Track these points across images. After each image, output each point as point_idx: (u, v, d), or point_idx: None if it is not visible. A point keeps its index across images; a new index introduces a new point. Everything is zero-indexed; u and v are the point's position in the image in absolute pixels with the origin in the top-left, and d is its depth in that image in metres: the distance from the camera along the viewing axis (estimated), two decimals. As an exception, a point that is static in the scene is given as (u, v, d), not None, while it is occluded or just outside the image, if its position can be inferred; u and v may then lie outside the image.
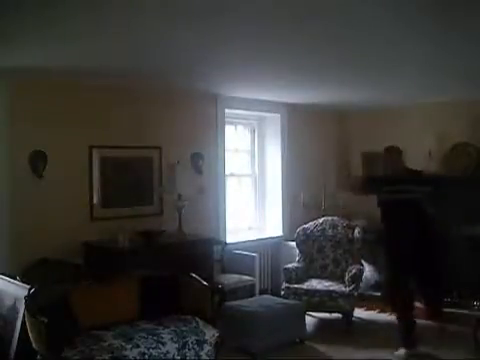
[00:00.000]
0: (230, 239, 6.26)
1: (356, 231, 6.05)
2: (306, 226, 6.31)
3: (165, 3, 2.80)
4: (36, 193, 4.77)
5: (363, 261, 6.08)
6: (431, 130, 6.48)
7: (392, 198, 4.84)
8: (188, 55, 4.02)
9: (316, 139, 7.20)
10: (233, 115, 6.52)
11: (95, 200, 5.20)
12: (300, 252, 6.21)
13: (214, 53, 3.99)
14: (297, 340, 5.18)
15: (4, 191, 4.65)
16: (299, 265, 6.05)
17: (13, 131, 4.67)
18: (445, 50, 3.93)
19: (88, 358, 3.60)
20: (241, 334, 4.79)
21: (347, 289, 5.55)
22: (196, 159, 6.01)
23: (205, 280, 4.46)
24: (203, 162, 6.07)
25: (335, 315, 5.74)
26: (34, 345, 3.67)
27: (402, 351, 4.77)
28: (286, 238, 6.77)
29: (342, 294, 5.52)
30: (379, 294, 6.36)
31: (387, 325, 5.50)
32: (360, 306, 6.04)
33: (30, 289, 3.78)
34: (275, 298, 5.52)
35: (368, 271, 6.31)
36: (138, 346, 3.78)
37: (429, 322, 5.83)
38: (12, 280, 4.14)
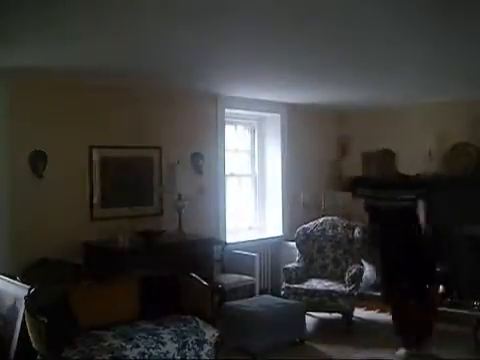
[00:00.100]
0: (230, 239, 6.26)
1: (356, 231, 6.05)
2: (306, 226, 6.31)
3: (165, 3, 2.80)
4: (36, 193, 4.77)
5: (363, 261, 6.08)
6: (431, 130, 6.47)
7: (377, 204, 4.83)
8: (188, 55, 4.02)
9: (316, 139, 7.20)
10: (233, 115, 6.52)
11: (95, 200, 5.20)
12: (300, 252, 6.21)
13: (214, 53, 3.99)
14: (297, 340, 5.18)
15: (4, 191, 4.65)
16: (299, 265, 6.06)
17: (13, 131, 4.67)
18: (445, 50, 3.93)
19: (88, 358, 3.60)
20: (241, 334, 4.79)
21: (347, 289, 5.55)
22: (196, 159, 6.01)
23: (205, 280, 4.46)
24: (203, 162, 6.07)
25: (335, 315, 5.74)
26: (34, 345, 3.67)
27: (402, 351, 4.77)
28: (286, 238, 6.77)
29: (342, 294, 5.52)
30: (379, 294, 6.36)
31: (387, 325, 5.49)
32: (360, 306, 6.04)
33: (30, 289, 3.78)
34: (275, 298, 5.52)
35: (368, 271, 6.31)
36: (138, 346, 3.79)
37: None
38: (12, 280, 4.14)
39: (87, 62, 4.24)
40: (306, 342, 5.18)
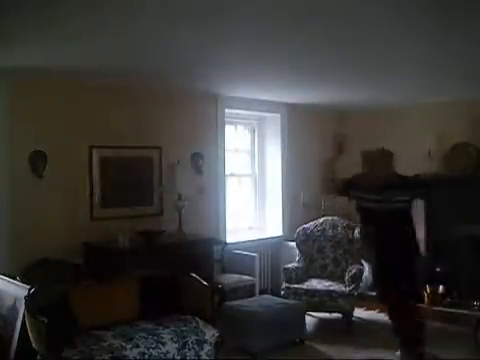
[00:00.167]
0: (230, 239, 6.26)
1: (356, 231, 6.05)
2: (306, 226, 6.32)
3: (165, 3, 2.80)
4: (36, 193, 4.77)
5: (363, 261, 6.08)
6: (431, 130, 6.47)
7: (370, 206, 4.72)
8: (188, 55, 4.02)
9: (316, 139, 7.20)
10: (233, 115, 6.52)
11: (95, 200, 5.20)
12: (300, 252, 6.21)
13: (214, 53, 3.99)
14: (297, 340, 5.18)
15: (4, 191, 4.65)
16: (299, 265, 6.06)
17: (13, 131, 4.67)
18: (445, 50, 3.93)
19: (88, 358, 3.60)
20: (241, 334, 4.79)
21: (347, 289, 5.55)
22: (196, 159, 6.01)
23: (205, 280, 4.46)
24: (203, 162, 6.07)
25: (335, 315, 5.74)
26: (34, 345, 3.67)
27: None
28: (286, 238, 6.77)
29: (342, 294, 5.52)
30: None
31: (387, 325, 5.48)
32: (360, 306, 6.04)
33: (30, 289, 3.78)
34: (275, 298, 5.52)
35: (368, 271, 6.31)
36: (138, 346, 3.79)
37: (429, 322, 5.85)
38: (12, 280, 4.14)
39: (87, 62, 4.24)
40: (306, 342, 5.19)
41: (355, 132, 7.35)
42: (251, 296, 5.73)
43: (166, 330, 4.03)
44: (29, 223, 4.71)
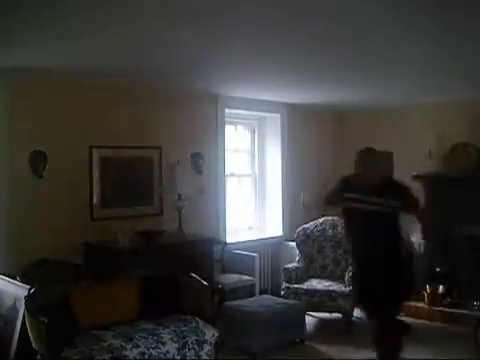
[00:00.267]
0: (230, 239, 6.26)
1: (356, 231, 6.04)
2: (306, 226, 6.32)
3: (165, 3, 2.80)
4: (36, 193, 4.77)
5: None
6: (431, 130, 6.47)
7: (355, 207, 4.27)
8: (188, 55, 4.02)
9: (316, 139, 7.20)
10: (233, 115, 6.52)
11: (95, 200, 5.20)
12: (300, 252, 6.21)
13: (214, 53, 3.98)
14: (297, 340, 5.18)
15: (4, 191, 4.65)
16: (299, 265, 6.06)
17: (13, 131, 4.67)
18: (445, 50, 3.93)
19: (88, 358, 3.60)
20: (241, 334, 4.79)
21: (347, 289, 5.55)
22: (196, 159, 6.01)
23: (205, 280, 4.46)
24: (203, 162, 6.07)
25: (335, 315, 5.75)
26: (34, 345, 3.68)
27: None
28: (286, 238, 6.77)
29: (342, 294, 5.52)
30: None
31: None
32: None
33: (30, 289, 3.78)
34: (275, 298, 5.53)
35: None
36: (138, 346, 3.79)
37: (429, 322, 5.86)
38: (12, 280, 4.14)
39: (87, 62, 4.24)
40: (306, 342, 5.19)
41: (355, 132, 7.35)
42: (251, 296, 5.73)
43: (166, 330, 4.03)
44: (29, 223, 4.71)
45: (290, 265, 6.00)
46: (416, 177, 6.48)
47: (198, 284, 4.44)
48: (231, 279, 5.69)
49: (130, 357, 3.71)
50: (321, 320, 5.90)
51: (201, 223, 5.84)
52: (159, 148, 5.64)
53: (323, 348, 5.09)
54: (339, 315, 5.66)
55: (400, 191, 4.30)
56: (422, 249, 6.57)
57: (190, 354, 4.01)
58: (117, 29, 3.31)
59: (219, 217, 6.22)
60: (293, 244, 6.34)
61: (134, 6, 2.84)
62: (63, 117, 4.97)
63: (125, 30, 3.34)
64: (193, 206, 5.65)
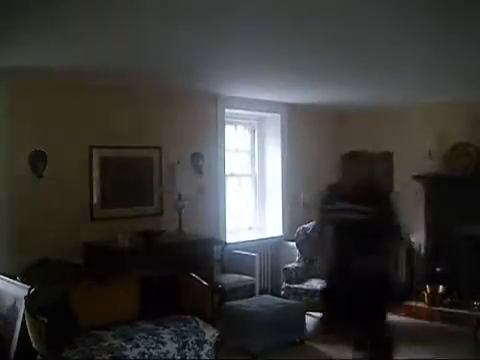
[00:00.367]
0: (230, 239, 6.26)
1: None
2: (306, 226, 6.31)
3: (165, 3, 2.80)
4: (36, 193, 4.77)
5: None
6: (431, 130, 6.47)
7: (343, 218, 4.06)
8: (188, 55, 4.02)
9: (316, 139, 7.19)
10: (233, 115, 6.52)
11: (95, 200, 5.20)
12: (300, 252, 6.21)
13: (214, 53, 3.98)
14: (297, 340, 5.18)
15: (4, 191, 4.65)
16: (299, 265, 6.06)
17: (13, 131, 4.67)
18: (445, 50, 3.93)
19: (88, 358, 3.60)
20: (241, 334, 4.79)
21: (347, 289, 5.54)
22: (196, 159, 6.01)
23: (205, 280, 4.46)
24: (203, 162, 6.07)
25: (335, 315, 5.73)
26: (34, 345, 3.67)
27: None
28: (286, 238, 6.77)
29: (342, 294, 5.51)
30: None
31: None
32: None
33: (30, 289, 3.78)
34: (275, 298, 5.52)
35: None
36: (138, 346, 3.79)
37: (429, 322, 5.86)
38: (12, 280, 4.13)
39: (87, 62, 4.24)
40: (306, 342, 5.18)
41: (355, 132, 7.35)
42: (251, 296, 5.73)
43: (166, 330, 4.03)
44: (29, 223, 4.71)
45: (290, 265, 6.00)
46: (416, 177, 6.49)
47: (198, 284, 4.44)
48: (231, 279, 5.69)
49: (130, 357, 3.71)
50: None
51: (201, 223, 5.84)
52: (159, 148, 5.64)
53: (323, 348, 5.08)
54: (339, 315, 5.65)
55: (380, 200, 4.08)
56: (422, 249, 6.58)
57: (190, 354, 4.01)
58: (117, 29, 3.32)
59: (219, 217, 6.22)
60: (293, 244, 6.34)
61: (134, 6, 2.84)
62: (63, 117, 4.96)
63: (125, 30, 3.34)
64: (193, 206, 5.65)
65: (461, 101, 6.17)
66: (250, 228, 6.97)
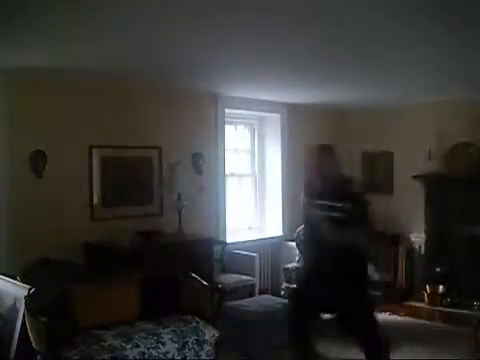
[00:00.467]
0: (230, 239, 6.25)
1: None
2: (306, 226, 6.30)
3: (165, 3, 2.80)
4: (36, 193, 4.77)
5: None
6: (431, 130, 6.48)
7: (317, 215, 3.92)
8: (188, 55, 4.02)
9: (316, 139, 7.18)
10: (233, 115, 6.52)
11: (95, 200, 5.20)
12: (300, 252, 6.20)
13: (214, 53, 3.99)
14: (297, 340, 5.17)
15: (4, 191, 4.65)
16: (299, 265, 6.05)
17: (13, 131, 4.67)
18: (445, 50, 3.93)
19: (88, 358, 3.60)
20: (241, 334, 4.79)
21: (347, 289, 5.53)
22: (196, 159, 6.01)
23: (205, 280, 4.46)
24: (203, 162, 6.06)
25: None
26: (34, 345, 3.67)
27: None
28: (286, 238, 6.76)
29: (342, 294, 5.51)
30: (379, 294, 6.37)
31: (387, 325, 5.49)
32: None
33: (30, 289, 3.78)
34: (275, 298, 5.52)
35: (367, 271, 6.30)
36: (138, 346, 3.79)
37: (429, 322, 5.86)
38: (12, 280, 4.13)
39: (87, 62, 4.24)
40: (306, 342, 5.17)
41: (355, 132, 7.36)
42: (251, 296, 5.73)
43: (166, 330, 4.03)
44: (29, 223, 4.70)
45: (290, 265, 5.99)
46: (416, 177, 6.49)
47: (198, 284, 4.44)
48: (231, 279, 5.69)
49: (130, 357, 3.71)
50: (321, 320, 5.88)
51: (201, 223, 5.84)
52: (159, 148, 5.64)
53: (323, 348, 5.07)
54: (339, 315, 5.64)
55: (353, 198, 3.91)
56: (422, 249, 6.58)
57: (190, 354, 4.01)
58: (117, 30, 3.32)
59: (219, 217, 6.22)
60: (293, 244, 6.34)
61: (135, 6, 2.84)
62: (63, 117, 4.96)
63: (125, 31, 3.34)
64: (193, 206, 5.65)
65: (461, 101, 6.18)
66: (250, 228, 6.97)
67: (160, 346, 3.87)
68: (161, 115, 5.66)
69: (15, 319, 3.90)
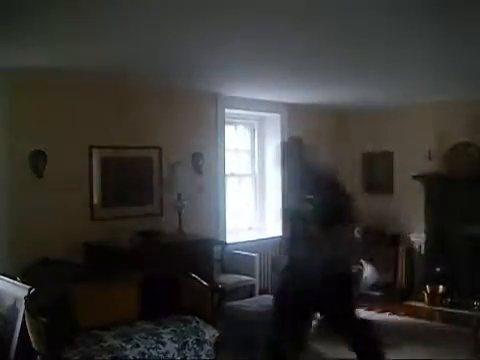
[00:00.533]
0: (230, 239, 6.25)
1: (356, 231, 6.04)
2: (306, 226, 6.30)
3: (165, 3, 2.80)
4: (36, 193, 4.77)
5: (362, 261, 6.08)
6: (431, 130, 6.48)
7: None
8: (188, 55, 4.02)
9: (316, 139, 7.18)
10: (233, 115, 6.52)
11: (95, 200, 5.20)
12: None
13: (214, 53, 3.99)
14: (297, 340, 5.17)
15: (4, 191, 4.65)
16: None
17: (13, 131, 4.67)
18: (445, 51, 3.93)
19: (88, 358, 3.60)
20: (241, 334, 4.78)
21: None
22: (196, 159, 6.01)
23: (205, 280, 4.46)
24: (203, 162, 6.06)
25: (335, 315, 5.73)
26: (34, 345, 3.67)
27: None
28: (286, 238, 6.75)
29: (342, 294, 5.50)
30: (379, 294, 6.38)
31: (387, 325, 5.50)
32: (360, 306, 6.03)
33: (30, 289, 3.78)
34: (275, 298, 5.51)
35: (368, 271, 6.31)
36: (138, 346, 3.79)
37: (429, 322, 5.86)
38: (12, 280, 4.13)
39: (87, 62, 4.24)
40: (306, 342, 5.17)
41: (355, 132, 7.36)
42: (251, 296, 5.73)
43: (166, 330, 4.03)
44: (29, 223, 4.70)
45: (290, 265, 5.98)
46: (416, 177, 6.50)
47: (198, 284, 4.44)
48: (231, 279, 5.69)
49: (130, 357, 3.71)
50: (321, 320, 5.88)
51: (201, 223, 5.84)
52: (159, 148, 5.64)
53: (323, 348, 5.08)
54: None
55: (330, 189, 3.86)
56: (422, 249, 6.59)
57: (190, 354, 4.01)
58: (117, 30, 3.32)
59: (219, 217, 6.22)
60: (293, 244, 6.33)
61: (135, 7, 2.84)
62: (63, 117, 4.96)
63: (125, 31, 3.34)
64: (193, 206, 5.65)
65: (461, 101, 6.18)
66: (250, 228, 6.97)
67: (160, 346, 3.87)
68: (161, 115, 5.66)
69: (15, 319, 3.90)
